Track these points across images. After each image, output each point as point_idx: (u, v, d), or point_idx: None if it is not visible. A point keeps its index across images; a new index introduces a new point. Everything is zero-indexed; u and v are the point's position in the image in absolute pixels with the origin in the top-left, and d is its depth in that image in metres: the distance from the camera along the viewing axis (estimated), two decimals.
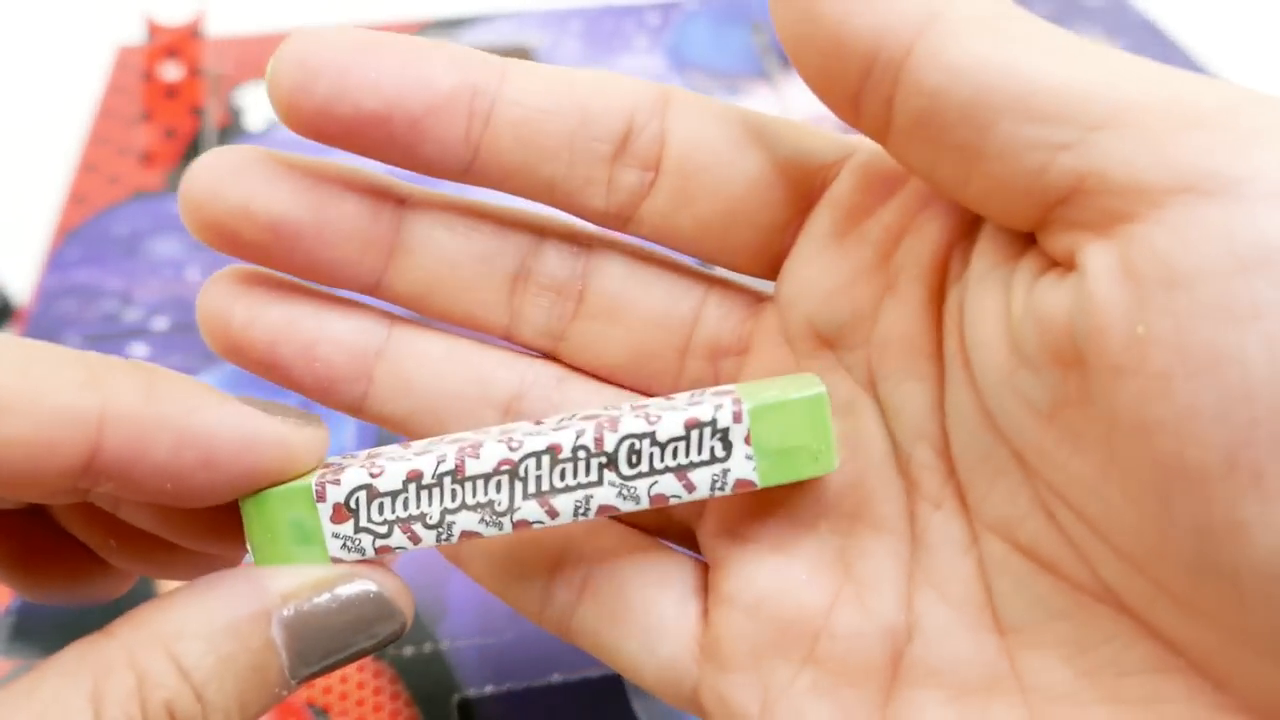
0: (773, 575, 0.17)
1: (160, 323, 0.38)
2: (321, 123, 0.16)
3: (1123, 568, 0.14)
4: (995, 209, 0.14)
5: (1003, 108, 0.13)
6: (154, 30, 0.47)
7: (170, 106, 0.46)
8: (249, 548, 0.16)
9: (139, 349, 0.37)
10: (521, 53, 0.52)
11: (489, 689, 0.28)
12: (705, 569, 0.18)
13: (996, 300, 0.14)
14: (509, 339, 0.19)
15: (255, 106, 0.48)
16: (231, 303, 0.18)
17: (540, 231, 0.18)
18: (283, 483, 0.16)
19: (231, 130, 0.47)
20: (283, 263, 0.17)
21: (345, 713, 0.27)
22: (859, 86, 0.14)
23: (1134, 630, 0.14)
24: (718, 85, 0.50)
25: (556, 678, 0.28)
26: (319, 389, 0.18)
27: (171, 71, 0.47)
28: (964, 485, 0.16)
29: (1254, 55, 0.54)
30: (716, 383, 0.18)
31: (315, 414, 0.16)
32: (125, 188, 0.44)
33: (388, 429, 0.19)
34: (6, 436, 0.13)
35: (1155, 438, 0.12)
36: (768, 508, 0.17)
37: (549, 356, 0.19)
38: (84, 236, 0.42)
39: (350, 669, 0.28)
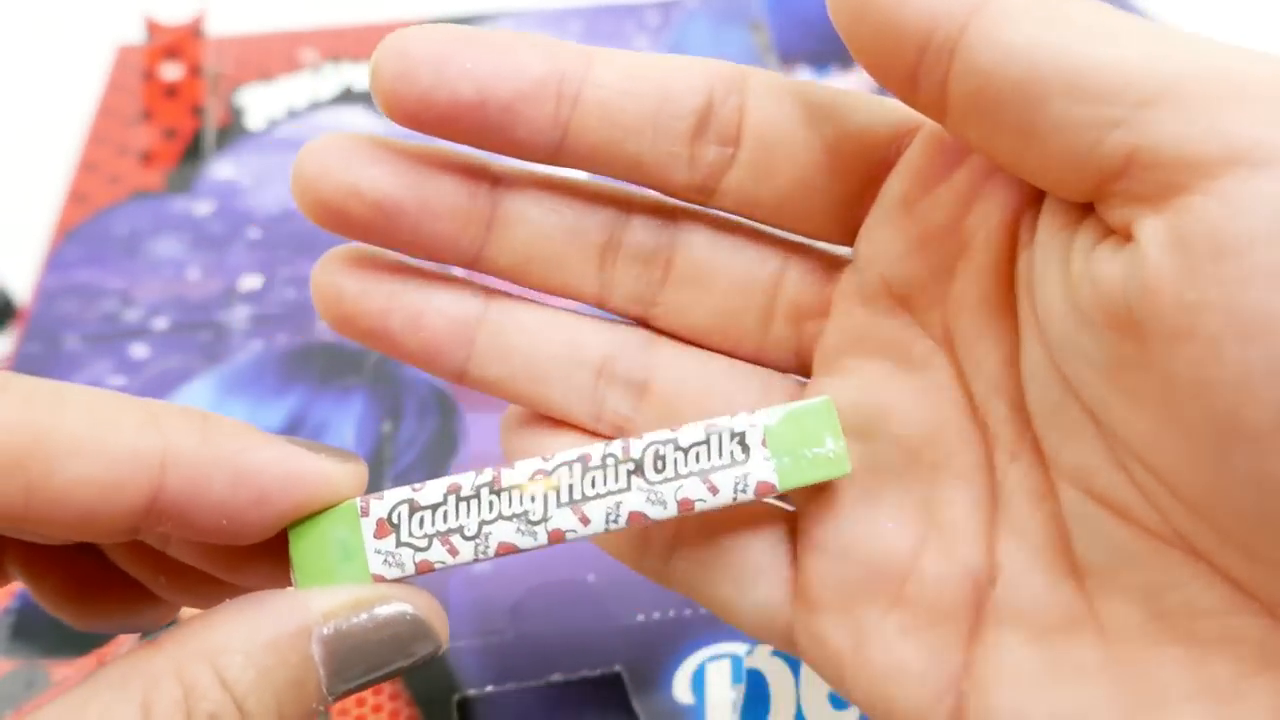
0: (860, 522, 0.18)
1: (160, 323, 0.38)
2: (422, 110, 0.17)
3: (1191, 516, 0.14)
4: (1051, 183, 0.15)
5: (1055, 87, 0.13)
6: (154, 30, 0.47)
7: (170, 106, 0.46)
8: (291, 565, 0.16)
9: (139, 349, 0.37)
10: None
11: (489, 688, 0.28)
12: (793, 517, 0.19)
13: (1060, 265, 0.15)
14: (601, 306, 0.20)
15: (256, 106, 0.49)
16: (344, 278, 0.19)
17: (627, 205, 0.19)
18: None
19: (232, 130, 0.47)
20: (388, 239, 0.18)
21: (345, 712, 0.27)
22: (915, 66, 0.15)
23: (1208, 574, 0.14)
24: None
25: (556, 677, 0.28)
26: (425, 356, 0.19)
27: (171, 71, 0.47)
28: (1040, 437, 0.16)
29: None
30: (799, 344, 0.19)
31: (353, 452, 0.17)
32: (125, 187, 0.44)
33: (489, 393, 0.19)
34: (78, 476, 0.14)
35: (1210, 398, 0.13)
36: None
37: (641, 323, 0.20)
38: (84, 236, 0.42)
39: None
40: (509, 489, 0.16)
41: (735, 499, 0.17)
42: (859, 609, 0.17)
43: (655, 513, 0.17)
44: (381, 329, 0.19)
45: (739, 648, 0.29)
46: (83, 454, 0.14)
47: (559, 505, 0.16)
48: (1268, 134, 0.12)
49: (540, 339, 0.19)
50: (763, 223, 0.19)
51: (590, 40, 0.53)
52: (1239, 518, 0.13)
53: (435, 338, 0.19)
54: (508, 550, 0.16)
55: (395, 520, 0.16)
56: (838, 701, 0.27)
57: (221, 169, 0.45)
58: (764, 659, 0.28)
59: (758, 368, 0.20)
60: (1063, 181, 0.14)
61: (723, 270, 0.19)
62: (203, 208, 0.43)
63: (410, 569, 0.16)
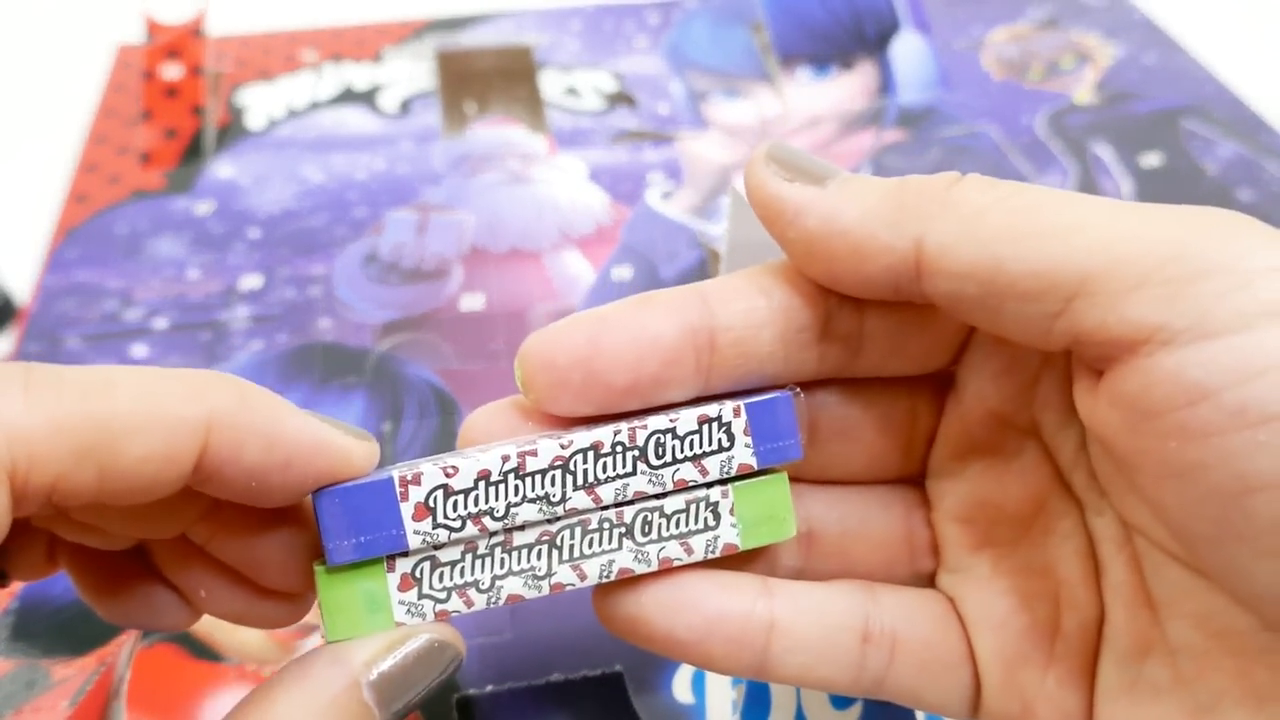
0: (1006, 598, 0.20)
1: (160, 323, 0.38)
2: (580, 406, 0.19)
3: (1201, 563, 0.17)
4: (1030, 348, 0.18)
5: (1005, 297, 0.16)
6: (154, 29, 0.47)
7: (170, 106, 0.46)
8: (322, 615, 0.18)
9: (139, 349, 0.37)
10: (522, 52, 0.52)
11: (489, 688, 0.28)
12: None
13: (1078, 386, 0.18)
14: None
15: (256, 106, 0.49)
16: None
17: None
18: (339, 482, 0.18)
19: (232, 130, 0.47)
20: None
21: None
22: (894, 292, 0.18)
23: (1235, 602, 0.17)
24: (717, 85, 0.50)
25: (556, 676, 0.28)
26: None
27: (171, 71, 0.47)
28: (1111, 497, 0.19)
29: (1253, 55, 0.54)
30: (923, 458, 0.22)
31: (367, 431, 0.19)
32: (125, 188, 0.44)
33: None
34: (141, 453, 0.16)
35: (1168, 510, 0.16)
36: (980, 547, 0.21)
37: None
38: (84, 236, 0.42)
39: None
40: (519, 548, 0.18)
41: (705, 557, 0.19)
42: (1022, 677, 0.20)
43: (640, 569, 0.19)
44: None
45: None
46: (141, 431, 0.16)
47: (560, 562, 0.18)
48: (1166, 318, 0.15)
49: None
50: (883, 375, 0.21)
51: (591, 40, 0.53)
52: (1216, 572, 0.16)
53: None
54: (516, 600, 0.18)
55: (418, 575, 0.18)
56: (838, 702, 0.27)
57: (221, 169, 0.45)
58: None
59: (889, 486, 0.22)
60: (1036, 348, 0.18)
61: (863, 425, 0.21)
62: (203, 208, 0.43)
63: (430, 618, 0.18)
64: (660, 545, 0.19)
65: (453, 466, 0.18)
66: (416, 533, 0.18)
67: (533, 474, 0.18)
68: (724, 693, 0.28)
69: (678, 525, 0.19)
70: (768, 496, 0.19)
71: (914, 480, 0.22)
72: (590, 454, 0.18)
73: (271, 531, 0.19)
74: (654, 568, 0.19)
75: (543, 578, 0.18)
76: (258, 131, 0.47)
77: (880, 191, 0.18)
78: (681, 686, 0.28)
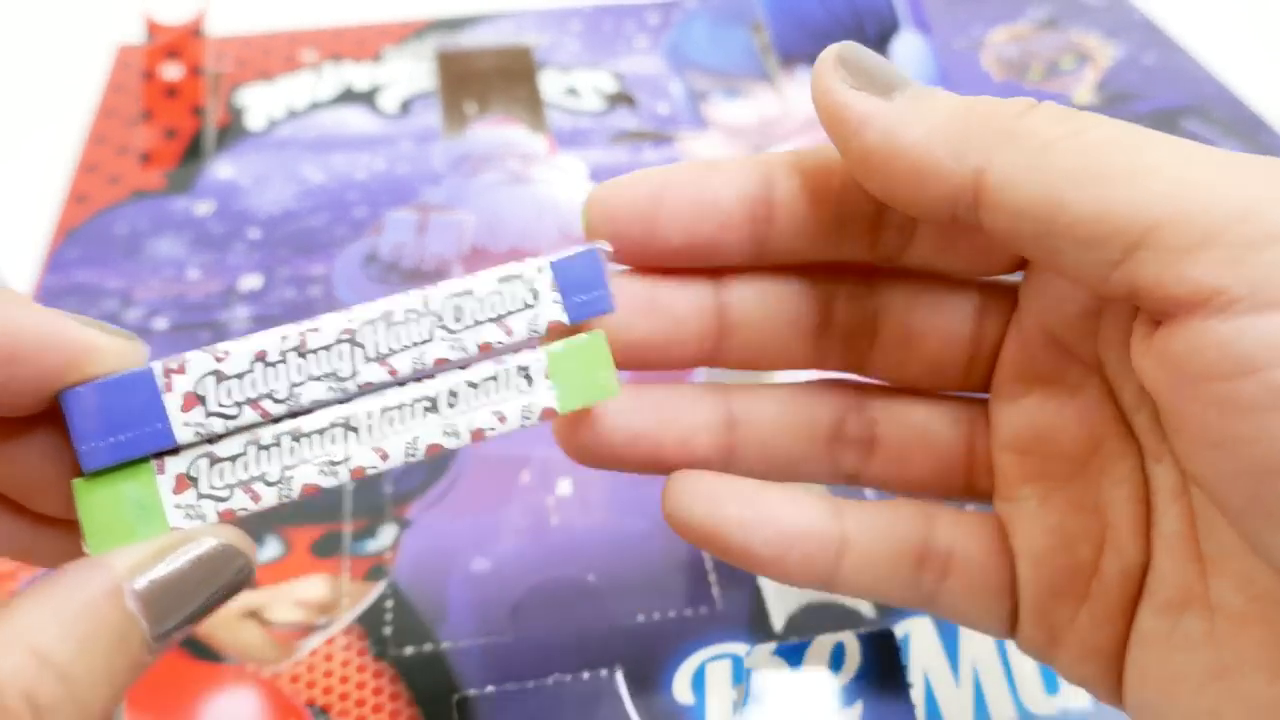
0: (1050, 535, 0.20)
1: (160, 323, 0.38)
2: (639, 259, 0.19)
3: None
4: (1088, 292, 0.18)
5: (1062, 239, 0.16)
6: (154, 30, 0.47)
7: (170, 106, 0.46)
8: (82, 529, 0.16)
9: None
10: (522, 52, 0.52)
11: (489, 688, 0.28)
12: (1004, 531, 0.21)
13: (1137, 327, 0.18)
14: (819, 368, 0.22)
15: (256, 106, 0.49)
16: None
17: (833, 277, 0.21)
18: (85, 381, 0.16)
19: (232, 130, 0.47)
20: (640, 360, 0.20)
21: (345, 713, 0.27)
22: (951, 220, 0.17)
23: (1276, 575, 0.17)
24: (717, 85, 0.50)
25: (556, 676, 0.28)
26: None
27: (171, 71, 0.47)
28: (1172, 444, 0.18)
29: (1253, 55, 0.54)
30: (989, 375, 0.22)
31: (132, 334, 0.17)
32: (125, 188, 0.44)
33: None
34: None
35: (1204, 478, 0.16)
36: (1032, 479, 0.21)
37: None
38: (84, 236, 0.42)
39: (350, 669, 0.28)
40: (310, 434, 0.17)
41: (522, 425, 0.18)
42: (1055, 610, 0.20)
43: (450, 443, 0.17)
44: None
45: (739, 648, 0.29)
46: None
47: (359, 443, 0.17)
48: (1226, 282, 0.14)
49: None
50: (935, 269, 0.21)
51: (591, 40, 0.53)
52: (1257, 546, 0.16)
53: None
54: (312, 491, 0.17)
55: (194, 474, 0.16)
56: (839, 701, 0.27)
57: (221, 169, 0.45)
58: (764, 659, 0.28)
59: (955, 403, 0.22)
60: (1092, 294, 0.17)
61: (925, 330, 0.21)
62: (203, 208, 0.43)
63: (213, 518, 0.16)
64: (469, 416, 0.17)
65: (224, 351, 0.16)
66: (186, 424, 0.16)
67: (316, 350, 0.17)
68: (724, 692, 0.28)
69: (488, 394, 0.18)
70: (586, 356, 0.18)
71: (979, 400, 0.22)
72: (380, 324, 0.17)
73: (34, 446, 0.17)
74: (465, 441, 0.17)
75: (340, 463, 0.17)
76: (258, 132, 0.47)
77: (947, 111, 0.17)
78: (681, 686, 0.28)
